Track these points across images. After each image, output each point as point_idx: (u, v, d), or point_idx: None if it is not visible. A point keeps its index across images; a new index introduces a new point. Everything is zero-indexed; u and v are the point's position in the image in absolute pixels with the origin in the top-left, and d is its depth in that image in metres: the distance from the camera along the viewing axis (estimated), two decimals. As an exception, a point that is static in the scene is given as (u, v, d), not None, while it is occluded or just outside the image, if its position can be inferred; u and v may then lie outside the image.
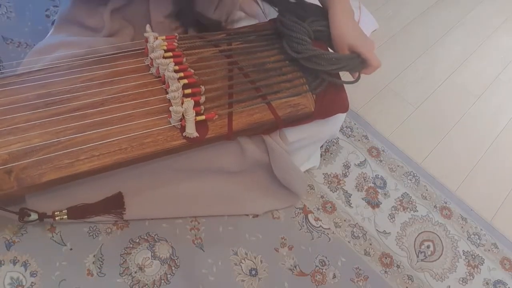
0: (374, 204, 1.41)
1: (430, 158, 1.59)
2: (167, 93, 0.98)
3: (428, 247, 1.36)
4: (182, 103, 0.95)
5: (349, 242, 1.31)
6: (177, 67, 1.01)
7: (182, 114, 0.94)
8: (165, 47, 1.05)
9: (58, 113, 0.94)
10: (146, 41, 1.06)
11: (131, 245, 1.14)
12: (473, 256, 1.38)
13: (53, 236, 1.11)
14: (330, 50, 1.14)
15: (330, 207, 1.36)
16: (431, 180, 1.52)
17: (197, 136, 0.96)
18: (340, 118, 1.25)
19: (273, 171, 1.22)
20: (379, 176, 1.48)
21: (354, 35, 1.07)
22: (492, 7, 2.26)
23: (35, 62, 1.08)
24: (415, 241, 1.36)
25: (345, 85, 1.15)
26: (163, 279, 1.11)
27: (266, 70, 1.11)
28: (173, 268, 1.13)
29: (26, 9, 1.52)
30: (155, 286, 1.10)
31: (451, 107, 1.79)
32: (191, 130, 0.95)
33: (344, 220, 1.34)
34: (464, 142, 1.68)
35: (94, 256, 1.10)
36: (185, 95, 0.98)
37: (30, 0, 1.55)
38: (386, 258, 1.31)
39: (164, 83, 1.02)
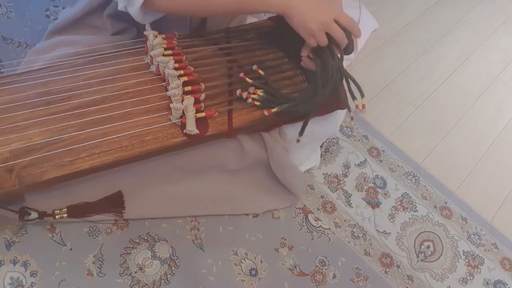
0: (374, 204, 1.41)
1: (430, 158, 1.59)
2: (167, 90, 0.98)
3: (428, 247, 1.36)
4: (182, 101, 0.95)
5: (349, 242, 1.30)
6: (177, 65, 1.01)
7: (183, 111, 0.94)
8: (164, 45, 1.05)
9: (59, 111, 0.94)
10: (146, 39, 1.06)
11: (131, 245, 1.14)
12: (473, 256, 1.37)
13: (53, 236, 1.10)
14: None
15: (330, 207, 1.36)
16: (431, 180, 1.52)
17: (197, 133, 0.96)
18: (340, 116, 1.25)
19: (272, 170, 1.22)
20: (379, 176, 1.47)
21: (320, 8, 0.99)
22: (492, 7, 2.27)
23: (36, 60, 1.08)
24: (415, 241, 1.36)
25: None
26: (163, 279, 1.11)
27: (265, 68, 1.11)
28: (173, 268, 1.13)
29: (26, 9, 1.52)
30: (155, 286, 1.10)
31: (451, 107, 1.79)
32: (191, 127, 0.95)
33: (344, 220, 1.34)
34: (464, 142, 1.68)
35: (94, 256, 1.10)
36: (185, 93, 0.98)
37: (30, 0, 1.55)
38: (386, 258, 1.30)
39: (164, 80, 1.02)
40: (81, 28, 1.16)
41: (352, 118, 1.11)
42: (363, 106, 1.05)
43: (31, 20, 1.50)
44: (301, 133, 1.06)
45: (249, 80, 1.05)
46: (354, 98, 1.06)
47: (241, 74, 1.06)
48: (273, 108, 1.03)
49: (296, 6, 0.95)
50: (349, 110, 1.11)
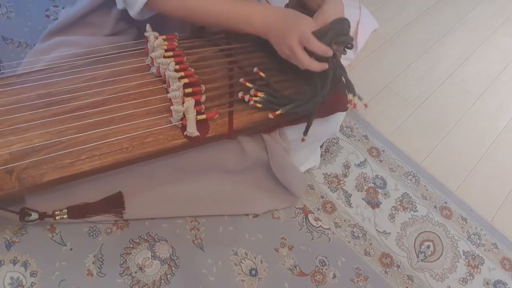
0: (374, 204, 1.41)
1: (430, 158, 1.59)
2: (167, 92, 0.98)
3: (428, 247, 1.36)
4: (183, 102, 0.95)
5: (349, 242, 1.31)
6: (177, 67, 1.01)
7: (183, 113, 0.94)
8: (165, 47, 1.05)
9: (59, 113, 0.94)
10: (147, 40, 1.06)
11: (131, 245, 1.14)
12: (473, 256, 1.38)
13: (53, 236, 1.11)
14: None
15: (330, 207, 1.36)
16: (431, 180, 1.52)
17: (198, 135, 0.96)
18: (340, 117, 1.25)
19: (272, 171, 1.22)
20: (379, 176, 1.48)
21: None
22: (492, 7, 2.27)
23: (36, 62, 1.08)
24: (415, 241, 1.36)
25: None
26: (163, 279, 1.11)
27: (266, 69, 1.11)
28: (173, 268, 1.13)
29: (26, 9, 1.52)
30: (155, 286, 1.10)
31: (451, 107, 1.79)
32: (192, 129, 0.95)
33: (344, 220, 1.34)
34: (464, 142, 1.68)
35: (94, 256, 1.10)
36: (186, 94, 0.98)
37: (30, 0, 1.55)
38: (386, 258, 1.31)
39: (164, 82, 1.02)
40: (81, 27, 1.16)
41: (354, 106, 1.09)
42: (355, 105, 1.07)
43: (31, 20, 1.50)
44: (305, 133, 1.07)
45: (249, 85, 1.05)
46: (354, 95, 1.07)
47: (241, 79, 1.05)
48: (276, 110, 1.03)
49: (273, 29, 0.98)
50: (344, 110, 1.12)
